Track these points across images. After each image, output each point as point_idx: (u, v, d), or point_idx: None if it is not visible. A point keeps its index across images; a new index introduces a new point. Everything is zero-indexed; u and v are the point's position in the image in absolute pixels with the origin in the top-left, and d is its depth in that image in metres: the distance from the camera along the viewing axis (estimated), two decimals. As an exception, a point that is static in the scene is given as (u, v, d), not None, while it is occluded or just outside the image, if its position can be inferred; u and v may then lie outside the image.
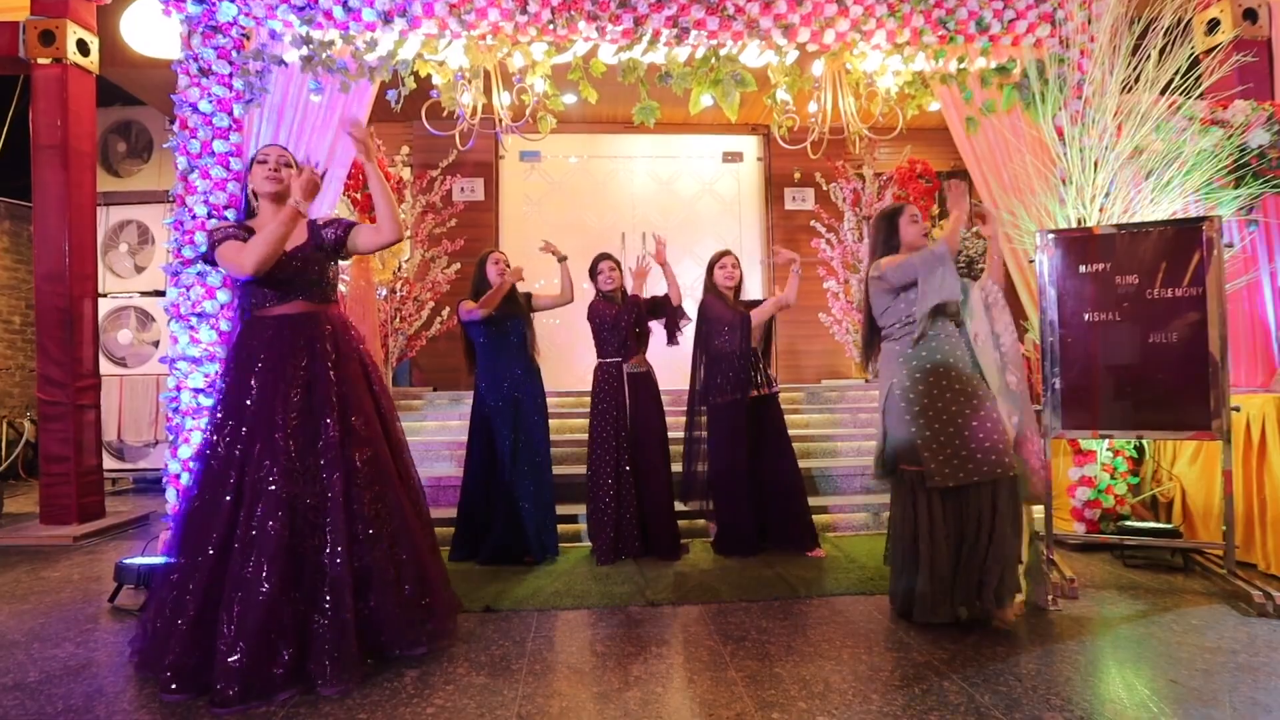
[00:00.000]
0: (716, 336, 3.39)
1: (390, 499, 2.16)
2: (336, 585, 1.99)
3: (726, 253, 3.53)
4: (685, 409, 3.54)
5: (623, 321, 3.44)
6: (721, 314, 3.40)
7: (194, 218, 3.15)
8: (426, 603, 2.20)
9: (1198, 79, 3.54)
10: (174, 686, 1.91)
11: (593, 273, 3.58)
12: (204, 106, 3.17)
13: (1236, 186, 3.41)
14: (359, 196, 4.94)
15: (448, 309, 5.49)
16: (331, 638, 1.96)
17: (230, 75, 3.21)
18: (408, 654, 2.16)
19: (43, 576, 3.18)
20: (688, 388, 3.56)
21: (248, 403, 2.10)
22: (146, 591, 2.63)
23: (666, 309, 3.54)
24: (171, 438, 3.13)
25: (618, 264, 3.58)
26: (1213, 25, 4.22)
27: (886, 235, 2.63)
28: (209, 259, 2.21)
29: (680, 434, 3.55)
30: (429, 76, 3.59)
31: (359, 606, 2.04)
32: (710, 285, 3.50)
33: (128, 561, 2.73)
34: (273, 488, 2.00)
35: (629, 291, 3.55)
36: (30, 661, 2.22)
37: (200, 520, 2.03)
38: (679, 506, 3.52)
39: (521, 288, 3.52)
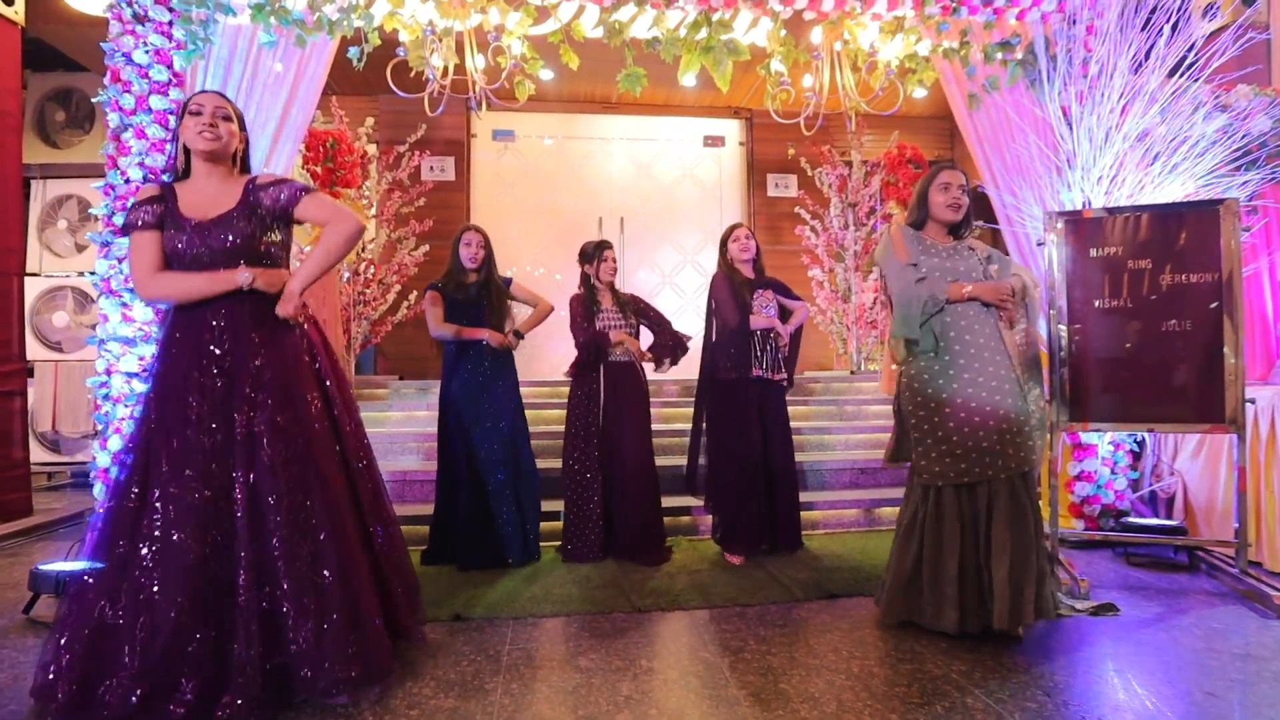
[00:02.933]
0: (725, 314, 3.15)
1: (320, 510, 1.80)
2: (243, 610, 1.68)
3: (739, 225, 3.28)
4: (691, 399, 3.32)
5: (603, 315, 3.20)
6: (731, 291, 3.15)
7: (127, 181, 2.83)
8: (356, 639, 1.77)
9: (1201, 63, 3.42)
10: None
11: (591, 259, 3.27)
12: (139, 57, 2.84)
13: (1245, 171, 3.30)
14: (319, 170, 4.62)
15: (415, 293, 5.18)
16: (240, 671, 1.65)
17: (170, 24, 2.88)
18: (326, 701, 1.75)
19: (-49, 583, 2.84)
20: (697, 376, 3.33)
21: (163, 395, 1.80)
22: (67, 601, 2.32)
23: (664, 332, 3.31)
24: (101, 427, 2.81)
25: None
26: (1211, 10, 4.11)
27: (916, 203, 2.41)
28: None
29: (664, 426, 3.34)
30: (395, 33, 3.28)
31: (268, 637, 1.71)
32: (724, 263, 3.23)
33: (44, 568, 2.41)
34: (175, 490, 1.70)
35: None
36: (-82, 686, 1.91)
37: (108, 529, 1.75)
38: (666, 503, 3.31)
39: (501, 272, 3.26)
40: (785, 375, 3.17)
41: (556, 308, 3.33)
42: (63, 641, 1.68)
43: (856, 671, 1.99)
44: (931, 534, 2.23)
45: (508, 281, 3.23)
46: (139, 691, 1.59)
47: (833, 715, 1.74)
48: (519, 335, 3.15)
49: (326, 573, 1.77)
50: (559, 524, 3.26)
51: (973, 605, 2.17)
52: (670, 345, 3.33)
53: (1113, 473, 3.35)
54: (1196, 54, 3.23)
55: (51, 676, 1.65)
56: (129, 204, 1.92)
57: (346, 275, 5.03)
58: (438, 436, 3.14)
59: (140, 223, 1.85)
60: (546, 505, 3.33)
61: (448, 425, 3.09)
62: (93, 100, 5.72)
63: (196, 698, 1.62)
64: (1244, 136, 3.45)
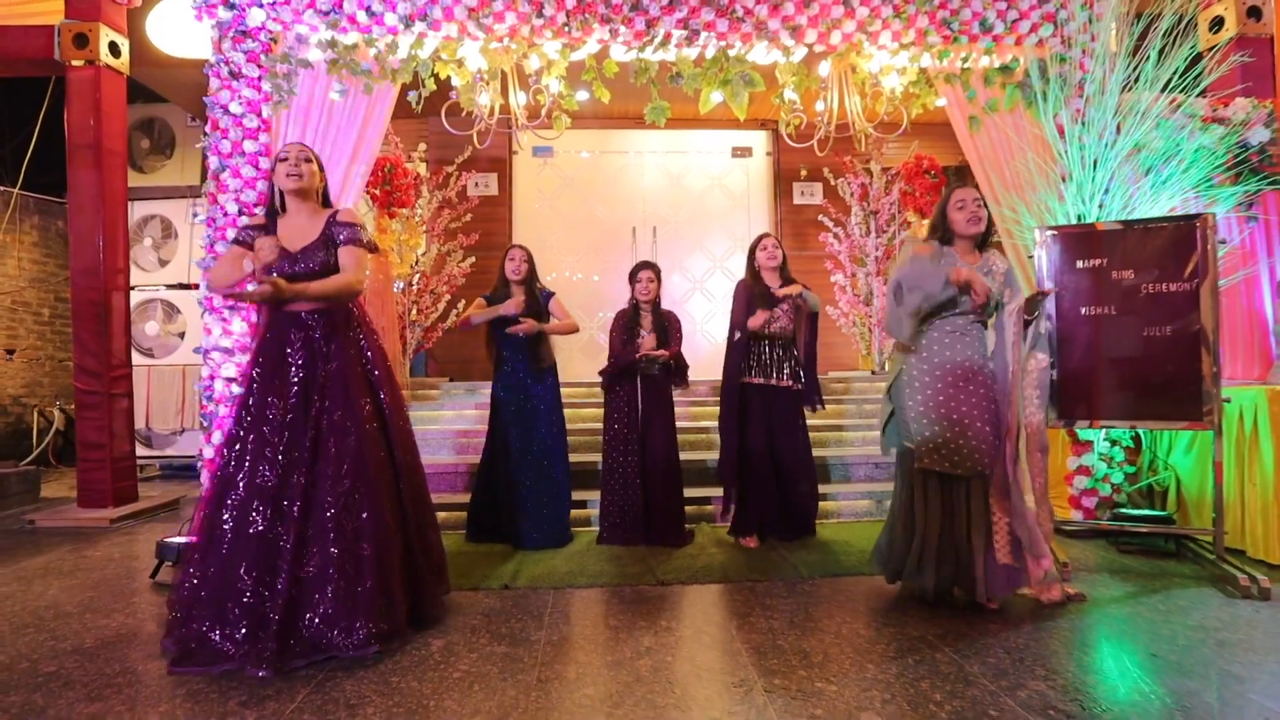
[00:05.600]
0: (732, 323, 3.49)
1: (366, 494, 2.19)
2: (286, 571, 2.08)
3: (767, 234, 3.54)
4: (714, 398, 3.66)
5: (640, 333, 3.54)
6: (744, 302, 3.47)
7: (225, 215, 3.31)
8: (384, 602, 2.16)
9: (1198, 77, 3.61)
10: (176, 659, 2.06)
11: (632, 280, 3.60)
12: (234, 108, 3.32)
13: (1235, 183, 3.49)
14: (378, 192, 5.10)
15: (463, 301, 5.64)
16: (271, 619, 2.05)
17: (259, 78, 3.36)
18: (353, 654, 2.08)
19: (86, 555, 3.36)
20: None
21: (251, 399, 2.27)
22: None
23: (676, 358, 3.59)
24: (206, 424, 3.30)
25: (657, 274, 3.58)
26: (1217, 23, 4.27)
27: (937, 224, 2.67)
28: None
29: (691, 424, 3.69)
30: (449, 78, 3.72)
31: (312, 595, 2.10)
32: (750, 270, 3.51)
33: (168, 540, 2.90)
34: (259, 480, 2.16)
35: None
36: (85, 629, 2.39)
37: (209, 507, 2.21)
38: (690, 493, 3.66)
39: (542, 276, 3.61)
40: (796, 384, 3.47)
41: (587, 321, 3.71)
42: (182, 593, 2.16)
43: (845, 633, 2.32)
44: (919, 508, 2.56)
45: (548, 295, 3.57)
46: (217, 631, 2.06)
47: (819, 664, 2.08)
48: (539, 334, 3.39)
49: (365, 546, 2.17)
50: (588, 511, 3.64)
51: (949, 573, 2.51)
52: (676, 371, 3.61)
53: (1109, 467, 3.57)
54: (1185, 74, 3.43)
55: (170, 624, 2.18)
56: (239, 227, 2.46)
57: (400, 286, 5.51)
58: (487, 428, 3.57)
59: (238, 239, 2.41)
60: (579, 494, 3.71)
61: (496, 420, 3.51)
62: (173, 129, 6.40)
63: (249, 639, 2.04)
64: (1241, 146, 3.64)
